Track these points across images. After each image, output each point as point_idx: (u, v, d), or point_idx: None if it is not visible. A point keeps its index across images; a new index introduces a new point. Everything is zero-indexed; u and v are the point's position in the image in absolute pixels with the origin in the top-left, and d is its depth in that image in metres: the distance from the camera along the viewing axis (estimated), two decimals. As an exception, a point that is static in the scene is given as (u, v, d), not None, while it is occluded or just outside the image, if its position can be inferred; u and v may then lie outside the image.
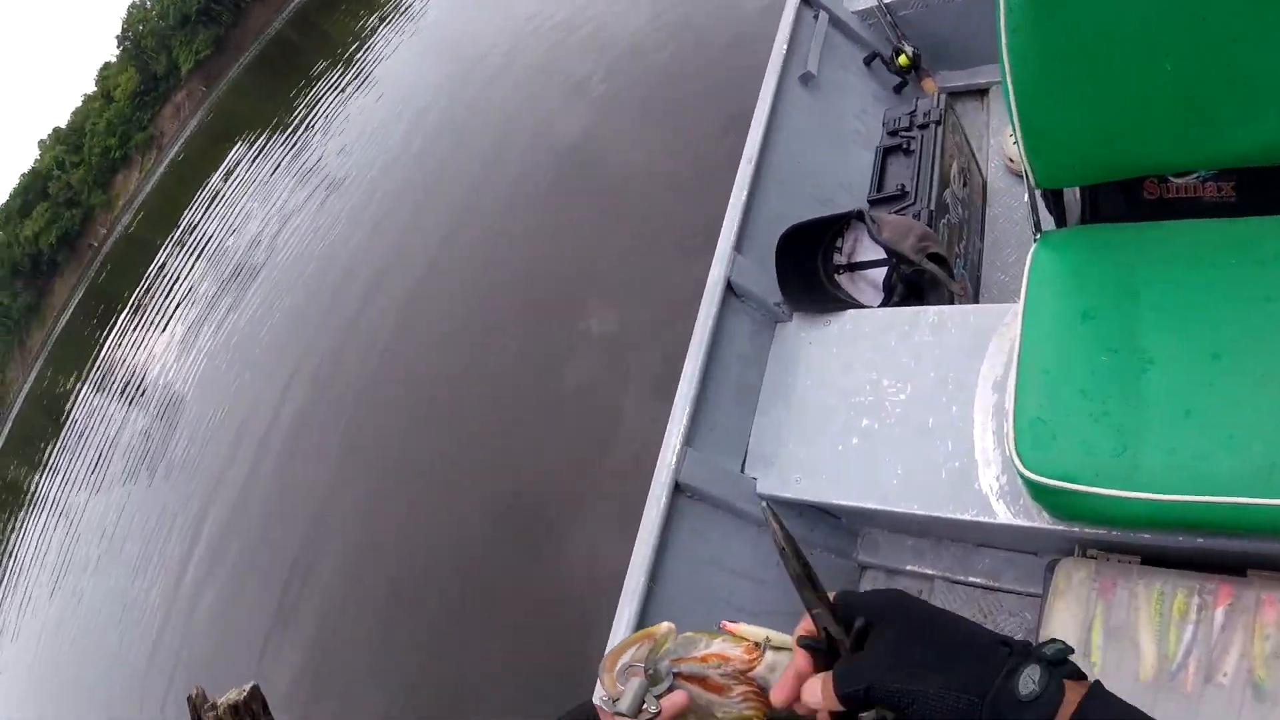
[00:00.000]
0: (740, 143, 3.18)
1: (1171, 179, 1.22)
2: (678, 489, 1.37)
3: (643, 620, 1.26)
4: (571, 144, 5.69)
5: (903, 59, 2.15)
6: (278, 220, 10.02)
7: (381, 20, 16.31)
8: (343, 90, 13.38)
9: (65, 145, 69.11)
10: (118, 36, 67.96)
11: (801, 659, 0.54)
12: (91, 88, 70.84)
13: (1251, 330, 0.94)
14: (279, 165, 12.78)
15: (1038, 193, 1.18)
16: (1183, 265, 1.04)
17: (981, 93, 2.27)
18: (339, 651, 3.93)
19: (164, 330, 12.53)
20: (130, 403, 11.59)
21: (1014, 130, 1.09)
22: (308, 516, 4.96)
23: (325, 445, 5.37)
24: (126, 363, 14.09)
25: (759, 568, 1.46)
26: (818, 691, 0.52)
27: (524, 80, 7.42)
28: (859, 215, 1.56)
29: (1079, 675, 0.46)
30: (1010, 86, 1.04)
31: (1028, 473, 0.96)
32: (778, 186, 1.76)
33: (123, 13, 68.14)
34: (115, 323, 19.35)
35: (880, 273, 1.59)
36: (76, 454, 13.14)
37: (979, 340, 1.33)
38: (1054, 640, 0.48)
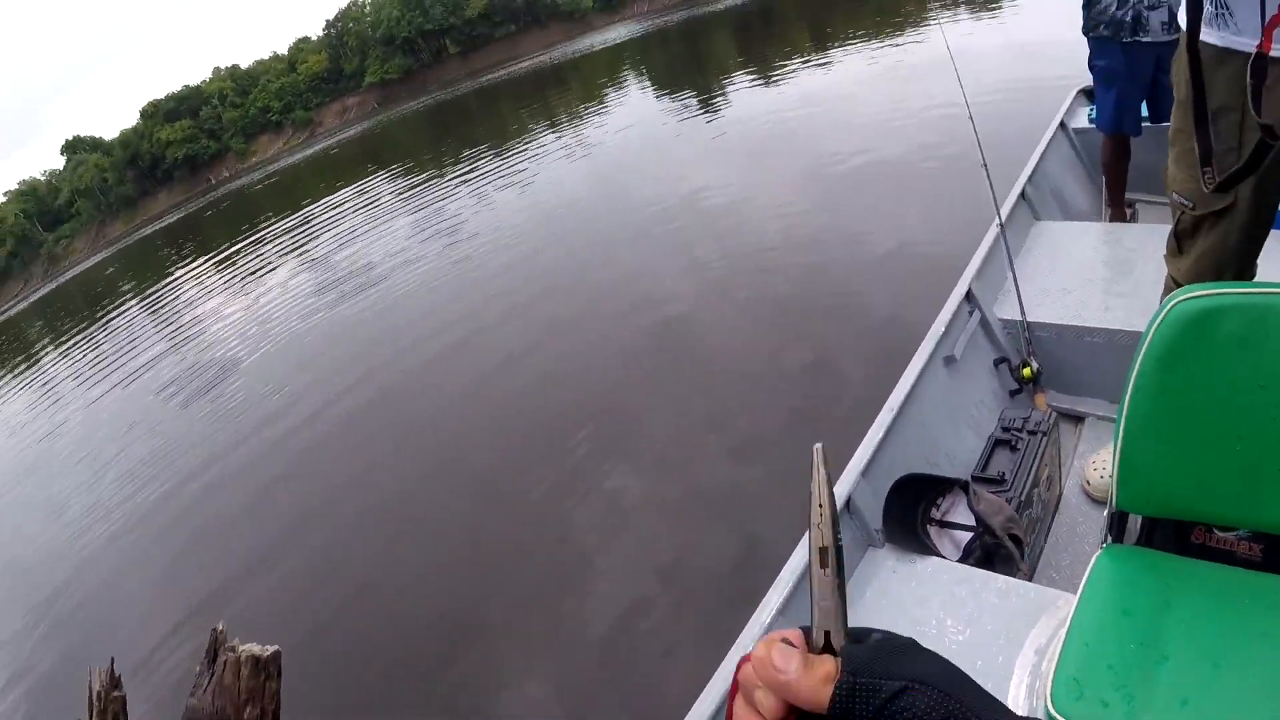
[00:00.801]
0: (823, 383, 3.55)
1: (1216, 531, 1.57)
2: None
3: None
4: (666, 307, 6.11)
5: (1027, 371, 2.59)
6: (391, 259, 10.54)
7: (554, 132, 17.62)
8: (494, 173, 14.32)
9: (235, 85, 74.30)
10: (328, 21, 74.48)
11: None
12: (283, 50, 77.13)
13: (1248, 654, 1.25)
14: (413, 211, 13.50)
15: (1114, 512, 1.50)
16: (1209, 598, 1.36)
17: (1078, 420, 2.65)
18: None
19: (237, 295, 12.96)
20: (171, 339, 11.94)
21: (1114, 459, 1.43)
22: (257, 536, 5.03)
23: (313, 478, 5.53)
24: (188, 302, 14.55)
25: None
26: (797, 666, 0.38)
27: (652, 235, 8.00)
28: (964, 485, 1.90)
29: None
30: (1121, 428, 1.39)
31: (1056, 715, 1.26)
32: (904, 436, 2.16)
33: (343, 4, 74.64)
34: (195, 262, 19.96)
35: (964, 536, 1.93)
36: (97, 352, 13.44)
37: (1033, 613, 1.64)
38: None
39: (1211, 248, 1.66)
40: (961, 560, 1.88)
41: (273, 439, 6.21)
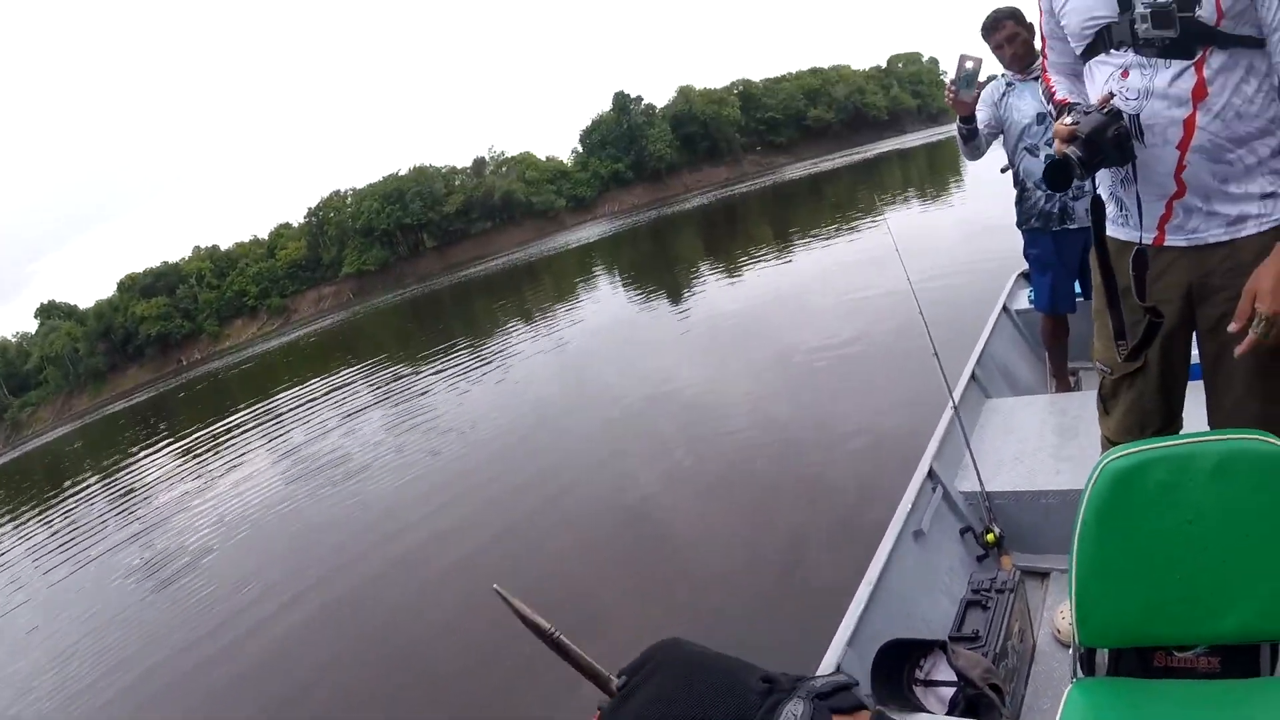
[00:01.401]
0: (798, 562, 3.64)
1: (1175, 653, 1.71)
2: None
3: None
4: (636, 496, 6.18)
5: (990, 537, 2.77)
6: (362, 452, 10.44)
7: (527, 328, 18.11)
8: (467, 367, 14.52)
9: (213, 265, 75.91)
10: (310, 209, 77.43)
11: None
12: (263, 235, 79.35)
13: None
14: (385, 404, 13.55)
15: (1080, 649, 1.65)
16: (1175, 713, 1.49)
17: (1043, 575, 2.82)
18: None
19: (204, 483, 12.54)
20: (134, 523, 11.41)
21: (1070, 604, 1.59)
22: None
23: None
24: (152, 486, 14.05)
25: None
26: None
27: (621, 427, 8.23)
28: (942, 645, 2.07)
29: (856, 707, 0.42)
30: (1074, 576, 1.57)
31: None
32: (883, 607, 2.32)
33: (325, 193, 77.84)
34: (162, 445, 19.55)
35: (947, 691, 2.05)
36: (57, 529, 12.95)
37: None
38: (836, 674, 0.45)
39: (1131, 406, 1.91)
40: (949, 714, 1.98)
41: (234, 632, 6.02)
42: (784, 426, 6.79)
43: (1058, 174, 1.63)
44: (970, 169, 23.09)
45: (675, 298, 15.91)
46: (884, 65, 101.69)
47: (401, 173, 75.29)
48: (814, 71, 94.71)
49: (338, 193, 78.00)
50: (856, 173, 39.67)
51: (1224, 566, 1.47)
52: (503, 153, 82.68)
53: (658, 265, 25.19)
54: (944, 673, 2.07)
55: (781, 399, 7.56)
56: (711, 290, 15.63)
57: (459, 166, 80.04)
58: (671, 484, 6.30)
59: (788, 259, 16.41)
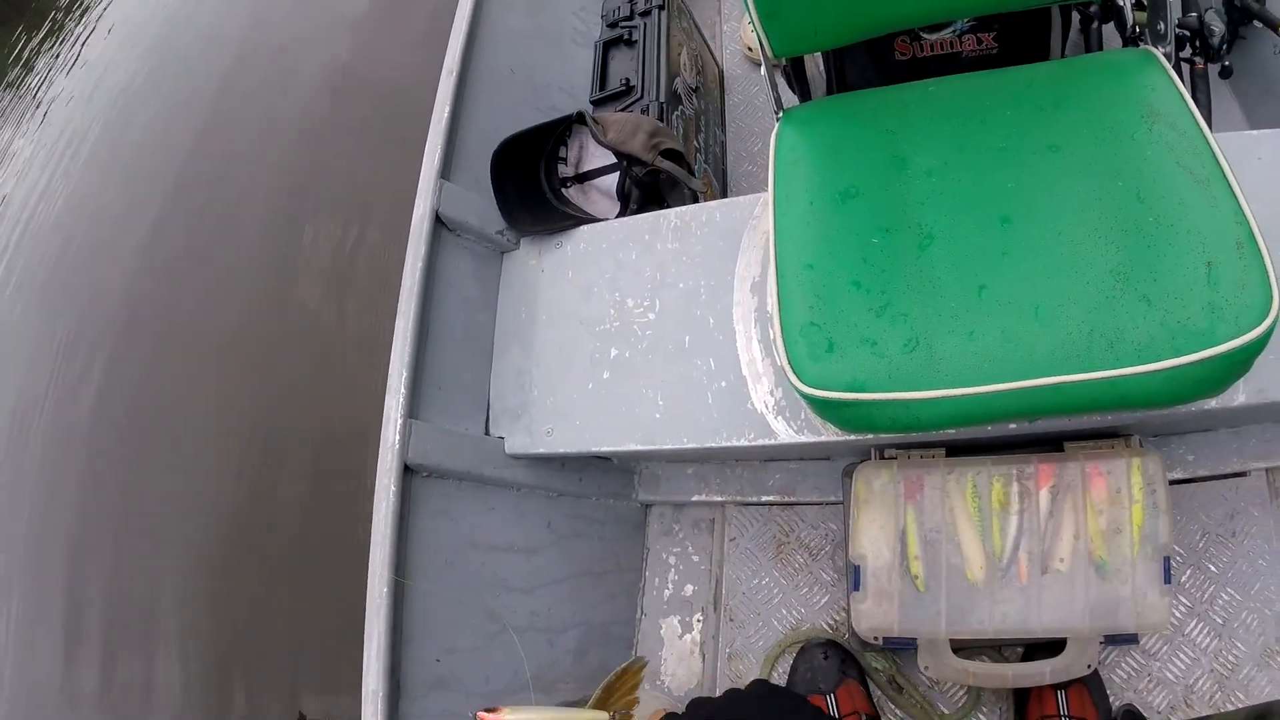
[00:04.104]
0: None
1: (924, 35, 1.08)
2: (408, 471, 1.12)
3: (397, 636, 1.00)
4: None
5: None
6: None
7: None
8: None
9: None
10: None
11: None
12: None
13: (1040, 184, 0.80)
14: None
15: (776, 68, 1.02)
16: (953, 122, 0.88)
17: None
18: None
19: None
20: None
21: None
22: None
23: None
24: None
25: (526, 537, 1.28)
26: None
27: None
28: (579, 117, 1.33)
29: None
30: None
31: (808, 389, 0.79)
32: (489, 99, 1.47)
33: None
34: None
35: (611, 181, 1.38)
36: None
37: (728, 239, 1.18)
38: None
39: None
40: (624, 213, 1.36)
41: None
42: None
43: None
44: None
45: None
46: None
47: None
48: None
49: None
50: None
51: None
52: None
53: None
54: (600, 157, 1.39)
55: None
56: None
57: None
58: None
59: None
